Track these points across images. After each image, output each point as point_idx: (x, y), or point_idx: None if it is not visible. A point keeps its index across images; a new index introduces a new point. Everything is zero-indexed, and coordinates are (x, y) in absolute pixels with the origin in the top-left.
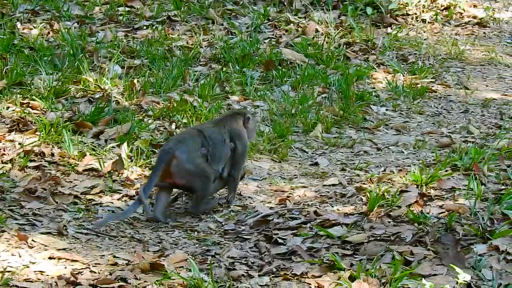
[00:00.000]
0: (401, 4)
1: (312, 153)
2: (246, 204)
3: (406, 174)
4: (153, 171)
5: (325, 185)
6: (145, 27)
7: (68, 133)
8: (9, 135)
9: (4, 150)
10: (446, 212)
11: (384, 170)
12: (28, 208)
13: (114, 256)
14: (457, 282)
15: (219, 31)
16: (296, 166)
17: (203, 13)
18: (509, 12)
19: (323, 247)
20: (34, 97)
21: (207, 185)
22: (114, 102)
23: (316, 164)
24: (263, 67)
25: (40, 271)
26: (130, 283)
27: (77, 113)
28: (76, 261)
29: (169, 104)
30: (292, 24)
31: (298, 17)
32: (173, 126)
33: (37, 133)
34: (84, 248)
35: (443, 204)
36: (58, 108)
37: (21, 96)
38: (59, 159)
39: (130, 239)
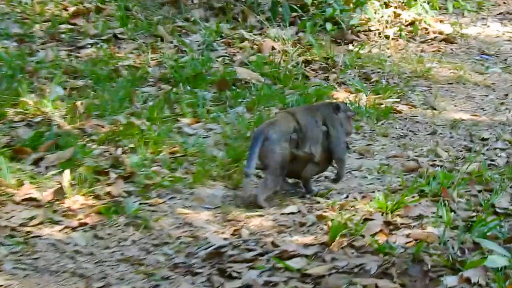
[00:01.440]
0: (362, 20)
1: None
2: (198, 235)
3: (370, 201)
4: (250, 151)
5: (283, 214)
6: (89, 46)
7: (5, 159)
8: None
9: None
10: (413, 241)
11: (347, 197)
12: None
13: None
14: None
15: (168, 49)
16: (251, 193)
17: (151, 30)
18: (477, 27)
19: (281, 280)
20: None
21: (279, 176)
22: (56, 126)
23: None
24: (216, 87)
25: None
26: None
27: (15, 138)
28: None
29: (114, 128)
30: (246, 42)
31: (253, 34)
32: (119, 151)
33: None
34: (22, 285)
35: (410, 233)
36: None
37: None
38: None
39: (72, 275)
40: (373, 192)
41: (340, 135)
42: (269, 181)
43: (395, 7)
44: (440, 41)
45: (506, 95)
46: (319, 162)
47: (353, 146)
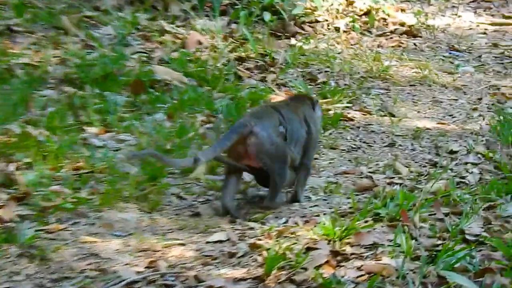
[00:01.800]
0: (308, 9)
1: (193, 201)
2: (106, 267)
3: (314, 226)
4: (220, 139)
5: (209, 242)
6: None
7: None
8: None
9: None
10: (366, 275)
11: (286, 222)
12: None
13: None
14: None
15: (73, 44)
16: (171, 218)
17: (53, 21)
18: (446, 17)
19: None
20: None
21: (285, 171)
22: None
23: (198, 214)
24: (130, 90)
25: None
26: None
27: None
28: None
29: (6, 139)
30: (168, 35)
31: (176, 26)
32: (12, 168)
33: None
34: None
35: (362, 265)
36: None
37: None
38: None
39: None
40: (318, 215)
41: (317, 139)
42: (278, 184)
43: None
44: (401, 34)
45: (480, 99)
46: (295, 169)
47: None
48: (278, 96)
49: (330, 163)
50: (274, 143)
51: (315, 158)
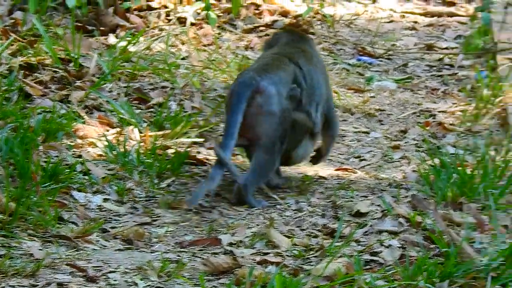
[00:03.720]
0: None
1: None
2: None
3: None
4: (230, 118)
5: None
6: None
7: None
8: None
9: None
10: None
11: None
12: None
13: None
14: None
15: None
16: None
17: None
18: (354, 4)
19: None
20: None
21: (277, 155)
22: None
23: None
24: None
25: None
26: None
27: None
28: None
29: None
30: None
31: None
32: None
33: None
34: None
35: None
36: None
37: None
38: None
39: None
40: None
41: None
42: (261, 164)
43: None
44: (283, 29)
45: (404, 132)
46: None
47: (112, 227)
48: (89, 126)
49: (168, 230)
50: (283, 107)
51: (142, 223)
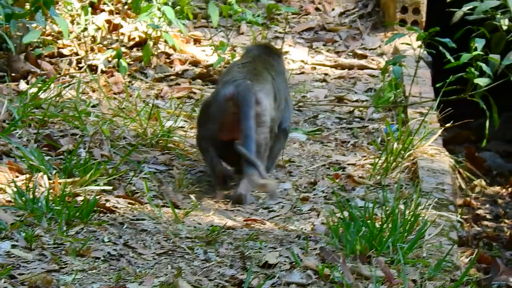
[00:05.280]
0: (48, 36)
1: None
2: None
3: None
4: (246, 122)
5: None
6: None
7: None
8: None
9: None
10: None
11: None
12: None
13: None
14: None
15: None
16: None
17: None
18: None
19: None
20: None
21: (266, 153)
22: None
23: None
24: None
25: None
26: None
27: None
28: None
29: None
30: None
31: None
32: None
33: None
34: None
35: None
36: None
37: None
38: None
39: None
40: None
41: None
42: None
43: (110, 12)
44: (194, 78)
45: (314, 183)
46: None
47: (20, 273)
48: None
49: (76, 278)
50: (271, 116)
51: (48, 270)
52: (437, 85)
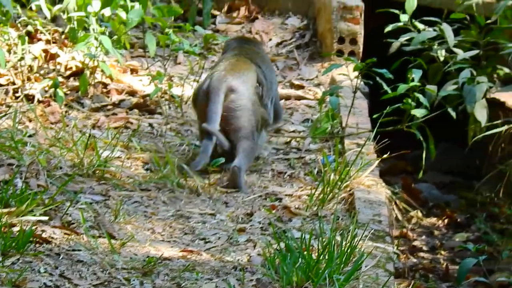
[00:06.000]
0: None
1: None
2: None
3: None
4: (210, 108)
5: None
6: None
7: None
8: None
9: None
10: None
11: None
12: None
13: None
14: None
15: None
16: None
17: None
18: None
19: None
20: None
21: (254, 136)
22: None
23: None
24: None
25: None
26: None
27: None
28: None
29: None
30: None
31: None
32: None
33: None
34: None
35: None
36: None
37: None
38: None
39: None
40: None
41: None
42: (247, 149)
43: (47, 42)
44: (131, 108)
45: (250, 215)
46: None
47: None
48: None
49: None
50: (253, 102)
51: None
52: (374, 116)
